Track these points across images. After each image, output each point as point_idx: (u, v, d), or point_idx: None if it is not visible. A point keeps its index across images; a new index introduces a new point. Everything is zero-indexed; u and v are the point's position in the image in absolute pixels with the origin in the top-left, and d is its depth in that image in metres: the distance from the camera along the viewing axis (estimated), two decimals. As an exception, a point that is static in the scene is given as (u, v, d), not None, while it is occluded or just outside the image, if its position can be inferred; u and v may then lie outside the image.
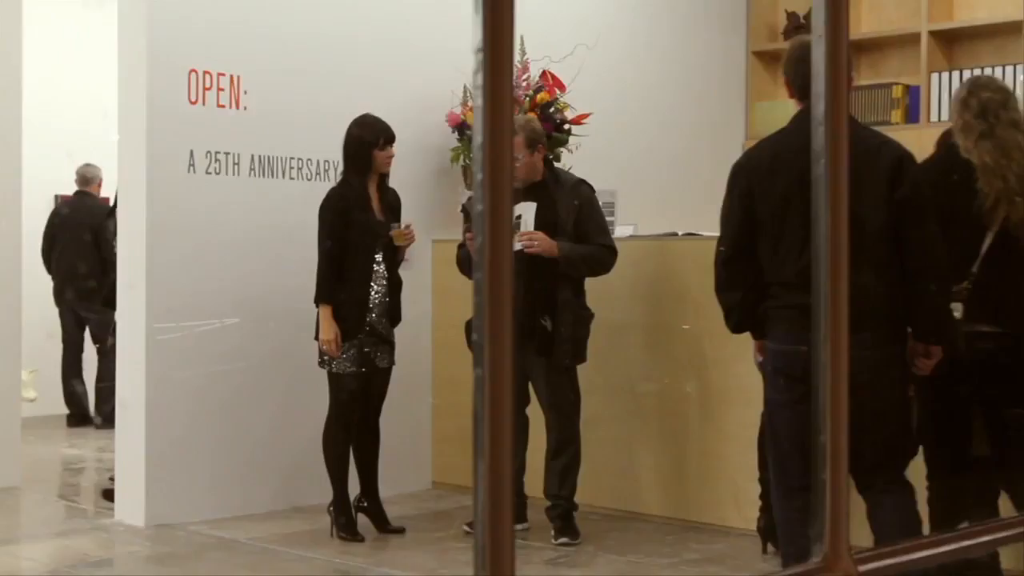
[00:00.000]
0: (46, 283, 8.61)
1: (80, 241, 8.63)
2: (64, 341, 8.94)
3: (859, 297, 3.95)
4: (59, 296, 8.77)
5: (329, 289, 5.29)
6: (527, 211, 5.34)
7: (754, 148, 4.28)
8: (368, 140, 5.42)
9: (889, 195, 3.80)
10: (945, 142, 4.22)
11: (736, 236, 4.06)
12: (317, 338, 5.41)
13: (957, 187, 4.03)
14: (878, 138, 4.01)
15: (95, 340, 8.80)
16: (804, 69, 3.85)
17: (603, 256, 5.35)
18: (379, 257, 5.41)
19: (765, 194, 3.98)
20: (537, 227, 5.30)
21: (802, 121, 3.90)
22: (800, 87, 4.01)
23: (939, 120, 7.63)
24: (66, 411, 9.08)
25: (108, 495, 5.94)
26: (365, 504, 5.55)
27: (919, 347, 3.92)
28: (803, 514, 3.83)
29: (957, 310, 4.05)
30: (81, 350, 9.02)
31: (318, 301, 5.31)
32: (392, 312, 5.50)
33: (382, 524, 5.55)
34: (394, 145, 5.48)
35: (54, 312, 8.77)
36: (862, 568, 0.89)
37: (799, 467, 3.92)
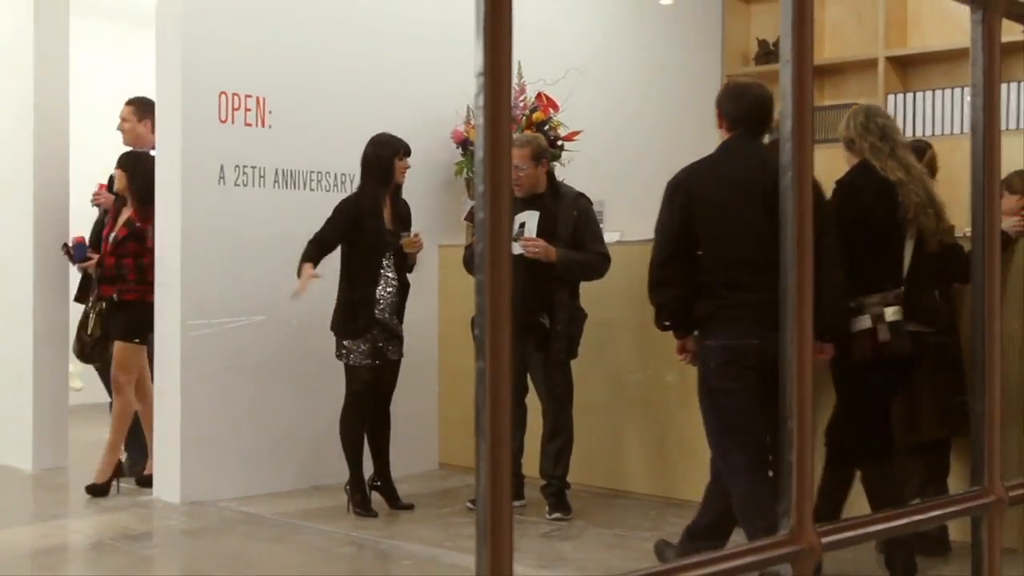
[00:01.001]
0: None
1: None
2: None
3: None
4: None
5: (312, 255, 5.36)
6: (530, 219, 5.35)
7: (691, 168, 4.31)
8: (388, 154, 5.44)
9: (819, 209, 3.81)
10: (861, 163, 4.29)
11: (674, 242, 4.16)
12: (332, 329, 5.42)
13: (876, 201, 4.12)
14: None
15: None
16: (735, 105, 4.24)
17: (597, 263, 5.37)
18: (388, 261, 5.42)
19: (704, 207, 4.12)
20: (538, 234, 5.31)
21: (730, 147, 4.28)
22: (732, 120, 4.24)
23: (895, 137, 7.63)
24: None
25: (144, 480, 5.99)
26: (378, 483, 5.56)
27: (815, 344, 3.90)
28: (769, 484, 4.02)
29: (898, 314, 4.12)
30: None
31: (302, 261, 5.35)
32: (401, 310, 5.51)
33: (393, 501, 5.55)
34: (409, 157, 5.51)
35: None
36: (825, 540, 0.89)
37: (758, 442, 4.06)
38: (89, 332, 5.92)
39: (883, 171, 4.15)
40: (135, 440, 6.15)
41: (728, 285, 4.04)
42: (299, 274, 5.31)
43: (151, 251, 5.82)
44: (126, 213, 5.94)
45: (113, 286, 5.86)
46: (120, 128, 6.27)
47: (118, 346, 5.88)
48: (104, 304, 5.90)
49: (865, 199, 4.14)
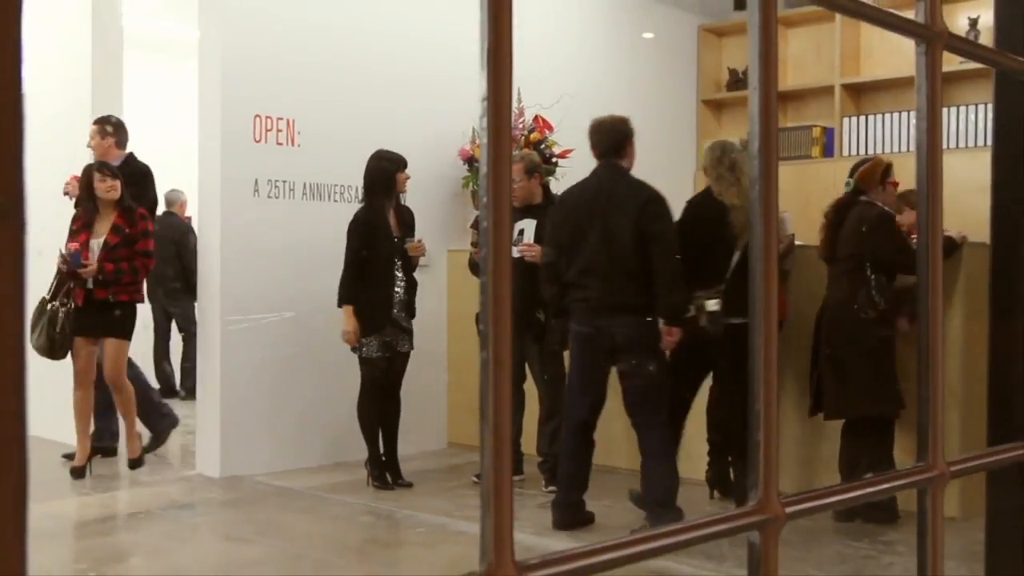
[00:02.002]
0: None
1: (167, 251, 8.66)
2: (155, 331, 8.97)
3: (620, 293, 4.45)
4: (152, 295, 8.79)
5: (350, 294, 5.32)
6: (528, 227, 5.35)
7: (567, 190, 4.82)
8: (392, 168, 5.45)
9: (637, 224, 4.35)
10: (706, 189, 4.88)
11: (554, 250, 4.64)
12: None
13: (713, 219, 4.58)
14: (639, 185, 4.52)
15: (180, 329, 8.85)
16: (593, 137, 4.67)
17: None
18: (398, 263, 5.43)
19: (566, 223, 4.56)
20: (535, 240, 5.30)
21: (596, 172, 4.65)
22: (601, 150, 4.63)
23: (849, 155, 7.64)
24: (156, 386, 9.10)
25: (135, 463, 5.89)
26: (385, 459, 5.56)
27: (665, 328, 4.50)
28: (585, 432, 4.67)
29: (717, 305, 4.66)
30: (169, 337, 9.05)
31: (340, 303, 5.36)
32: (409, 307, 5.52)
33: (396, 477, 5.55)
34: (407, 170, 5.53)
35: (146, 308, 8.77)
36: (788, 509, 0.89)
37: (581, 402, 4.64)
38: (59, 330, 5.50)
39: (719, 196, 4.67)
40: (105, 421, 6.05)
41: (574, 286, 4.52)
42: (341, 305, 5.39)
43: (140, 254, 5.67)
44: (107, 220, 5.64)
45: (107, 289, 5.57)
46: (89, 146, 6.03)
47: (114, 343, 5.63)
48: (71, 304, 5.52)
49: (701, 217, 4.59)
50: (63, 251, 5.50)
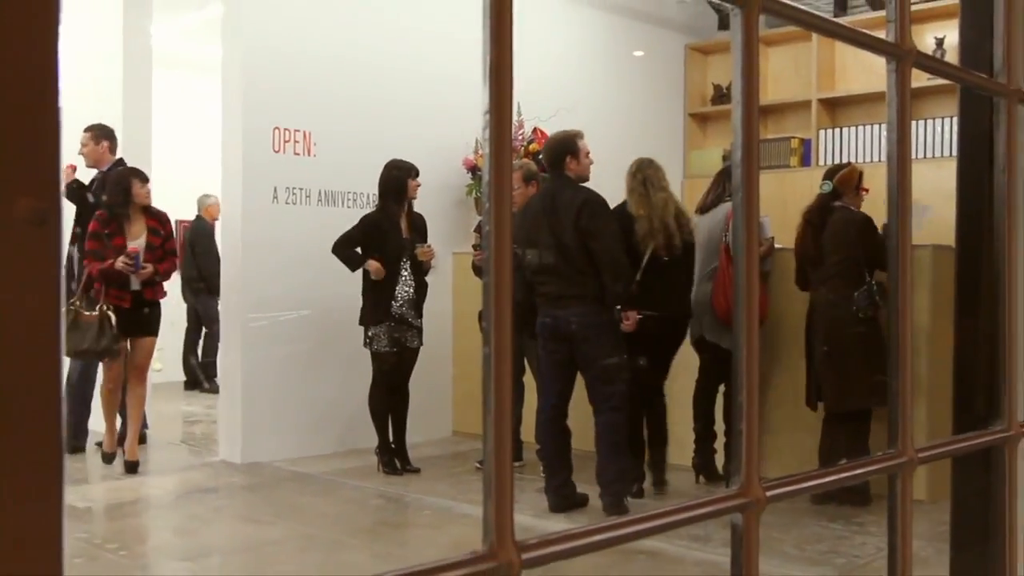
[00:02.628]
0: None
1: (191, 254, 8.68)
2: (187, 329, 8.98)
3: (571, 285, 4.49)
4: (184, 294, 8.80)
5: (349, 255, 5.35)
6: None
7: (529, 199, 5.03)
8: (403, 175, 5.44)
9: (576, 224, 4.54)
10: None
11: (516, 255, 4.74)
12: (361, 323, 5.42)
13: (624, 227, 4.77)
14: (578, 190, 4.71)
15: (204, 325, 8.84)
16: (549, 152, 4.87)
17: None
18: (405, 265, 5.42)
19: (522, 228, 4.71)
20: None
21: (548, 183, 4.90)
22: (548, 162, 4.86)
23: (825, 164, 7.64)
24: (183, 378, 9.10)
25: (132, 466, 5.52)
26: (394, 446, 5.56)
27: (623, 313, 4.75)
28: (558, 419, 4.75)
29: None
30: (198, 335, 9.05)
31: (351, 265, 5.37)
32: (418, 306, 5.51)
33: (404, 463, 5.54)
34: (417, 178, 5.52)
35: (173, 305, 8.78)
36: (769, 493, 0.89)
37: (551, 390, 4.74)
38: (114, 331, 5.24)
39: (630, 207, 4.90)
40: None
41: (536, 283, 4.70)
42: (362, 318, 5.41)
43: (171, 254, 5.54)
44: (138, 223, 5.43)
45: (152, 289, 5.44)
46: (81, 153, 5.86)
47: (149, 341, 5.50)
48: (109, 305, 5.24)
49: (621, 224, 4.77)
50: (123, 256, 5.24)
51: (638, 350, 4.85)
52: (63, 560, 0.45)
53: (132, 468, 5.44)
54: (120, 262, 5.23)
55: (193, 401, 8.56)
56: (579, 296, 4.57)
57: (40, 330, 0.45)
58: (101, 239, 5.32)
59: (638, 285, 4.77)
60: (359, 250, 5.38)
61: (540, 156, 6.64)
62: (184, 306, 8.87)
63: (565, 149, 4.77)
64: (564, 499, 4.69)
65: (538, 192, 4.99)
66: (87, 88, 6.51)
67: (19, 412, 0.44)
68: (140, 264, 5.27)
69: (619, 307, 4.72)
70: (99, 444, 5.74)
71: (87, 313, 5.19)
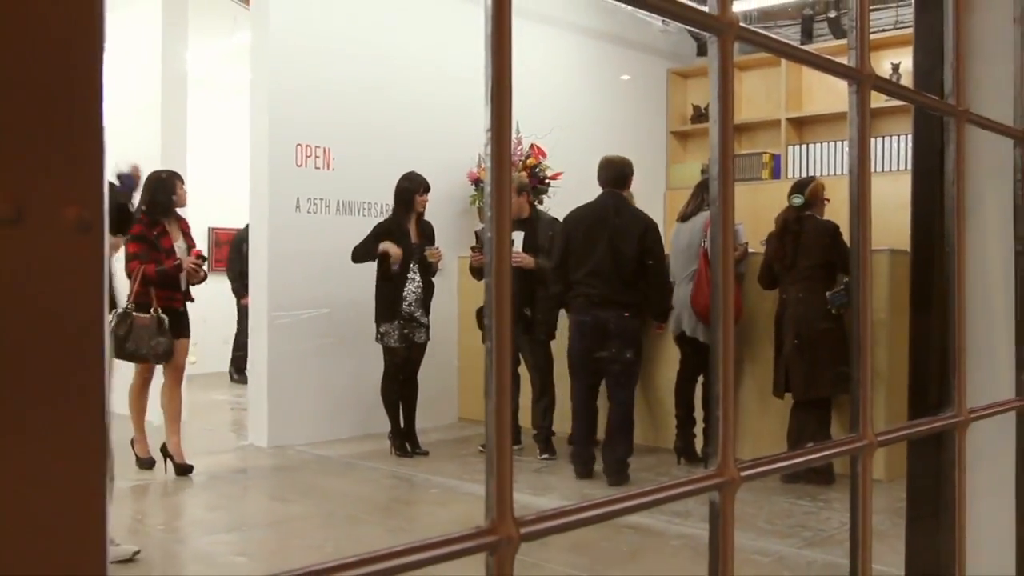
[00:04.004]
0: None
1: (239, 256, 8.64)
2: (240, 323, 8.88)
3: (617, 292, 4.54)
4: (238, 292, 8.72)
5: (368, 254, 5.34)
6: (517, 238, 5.36)
7: (572, 212, 5.09)
8: (412, 188, 5.43)
9: (640, 244, 4.73)
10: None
11: (560, 257, 4.92)
12: (377, 321, 5.42)
13: None
14: (638, 211, 4.90)
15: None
16: (602, 174, 4.97)
17: None
18: (414, 268, 5.41)
19: (576, 235, 4.84)
20: (524, 249, 5.31)
21: (604, 198, 4.92)
22: (601, 181, 4.97)
23: (793, 177, 7.64)
24: (214, 370, 9.09)
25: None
26: (405, 431, 5.55)
27: (657, 325, 5.09)
28: (589, 400, 4.92)
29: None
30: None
31: (361, 259, 5.36)
32: (426, 305, 5.50)
33: (414, 447, 5.54)
34: (428, 193, 5.49)
35: (205, 304, 8.72)
36: (743, 473, 0.89)
37: (584, 374, 4.90)
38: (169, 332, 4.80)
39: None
40: None
41: (580, 283, 4.80)
42: (376, 313, 5.39)
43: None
44: (175, 227, 4.96)
45: (189, 293, 4.98)
46: None
47: (187, 342, 5.00)
48: (157, 308, 4.74)
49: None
50: (192, 257, 4.85)
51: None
52: (107, 538, 0.44)
53: (186, 471, 4.96)
54: (190, 263, 4.84)
55: (224, 391, 8.55)
56: (621, 302, 4.75)
57: (88, 332, 0.45)
58: (150, 241, 4.82)
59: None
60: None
61: (537, 169, 6.66)
62: (207, 303, 8.77)
63: (627, 172, 4.96)
64: (587, 467, 4.93)
65: (592, 204, 4.88)
66: (128, 107, 6.52)
67: (67, 410, 0.44)
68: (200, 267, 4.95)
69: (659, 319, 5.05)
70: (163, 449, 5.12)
71: (142, 316, 4.68)
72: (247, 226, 8.77)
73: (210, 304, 8.66)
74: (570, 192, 6.85)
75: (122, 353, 4.63)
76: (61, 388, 0.44)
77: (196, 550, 3.89)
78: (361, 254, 5.34)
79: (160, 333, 4.73)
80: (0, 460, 0.42)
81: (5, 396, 0.42)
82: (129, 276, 4.75)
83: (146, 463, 5.05)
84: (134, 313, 4.67)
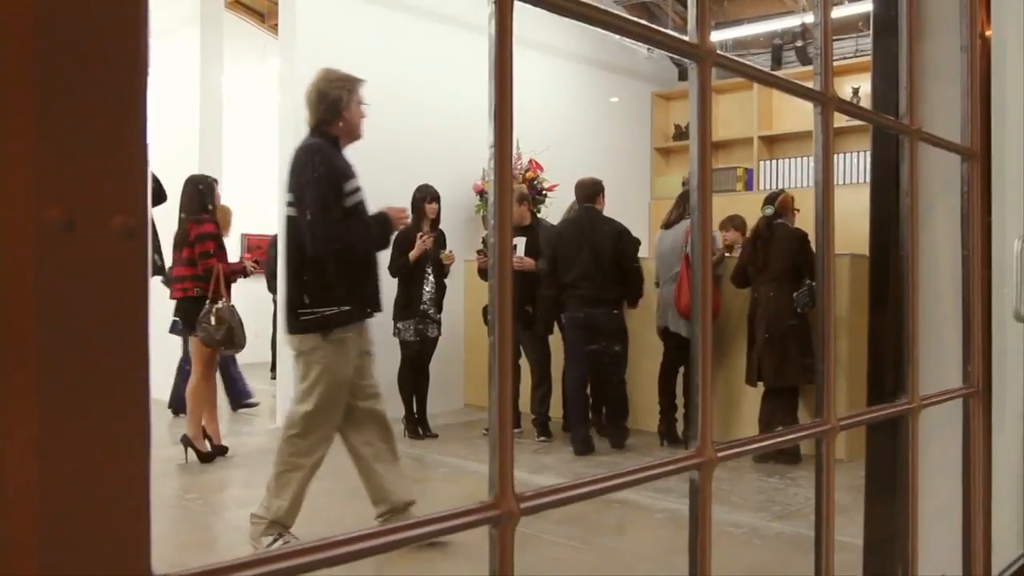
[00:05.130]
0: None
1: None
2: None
3: (603, 290, 4.52)
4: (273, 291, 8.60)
5: (399, 267, 5.26)
6: (520, 243, 5.35)
7: (557, 227, 5.29)
8: (421, 197, 5.42)
9: (615, 247, 4.96)
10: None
11: (551, 265, 5.13)
12: (394, 318, 5.41)
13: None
14: (611, 220, 5.08)
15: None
16: (585, 191, 5.16)
17: None
18: (428, 269, 5.40)
19: (561, 245, 5.07)
20: (525, 253, 5.30)
21: (581, 213, 5.10)
22: (583, 198, 5.15)
23: (765, 189, 7.64)
24: (250, 361, 9.02)
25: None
26: (417, 416, 5.55)
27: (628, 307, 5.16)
28: (583, 387, 5.12)
29: None
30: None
31: (398, 272, 5.29)
32: (439, 303, 5.50)
33: (425, 430, 5.53)
34: (437, 202, 5.46)
35: (240, 301, 8.67)
36: (720, 454, 0.88)
37: (579, 364, 5.08)
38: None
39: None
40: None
41: (571, 286, 4.99)
42: (395, 311, 5.31)
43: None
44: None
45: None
46: None
47: None
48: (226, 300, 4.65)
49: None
50: (248, 262, 4.80)
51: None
52: (150, 511, 0.44)
53: (224, 451, 4.87)
54: (251, 265, 4.85)
55: (260, 380, 8.54)
56: (607, 299, 4.98)
57: (133, 326, 0.45)
58: (221, 241, 4.74)
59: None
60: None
61: (535, 182, 6.66)
62: (242, 303, 8.71)
63: (598, 190, 5.18)
64: (586, 446, 5.04)
65: (572, 218, 5.19)
66: (170, 126, 6.52)
67: (113, 398, 0.44)
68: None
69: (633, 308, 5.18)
70: (185, 439, 4.83)
71: (220, 308, 4.56)
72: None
73: (245, 301, 8.66)
74: (565, 201, 6.83)
75: (214, 342, 4.55)
76: (108, 378, 0.44)
77: (229, 521, 3.89)
78: (397, 267, 5.32)
79: (240, 325, 4.67)
80: (55, 443, 0.42)
81: (61, 386, 0.42)
82: (205, 272, 4.61)
83: (209, 455, 4.83)
84: (219, 307, 4.57)
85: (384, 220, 3.21)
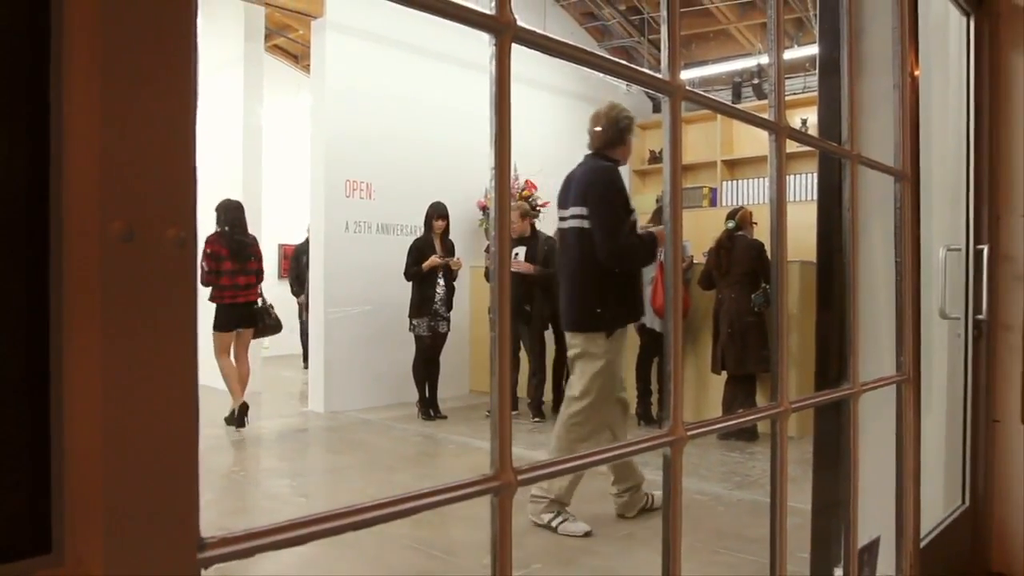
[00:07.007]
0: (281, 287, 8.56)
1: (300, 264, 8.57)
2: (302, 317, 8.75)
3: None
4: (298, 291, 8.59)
5: (409, 273, 5.29)
6: (520, 251, 5.34)
7: (554, 237, 4.74)
8: (431, 214, 5.42)
9: None
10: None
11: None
12: (410, 316, 5.40)
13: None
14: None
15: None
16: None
17: (555, 275, 5.37)
18: (440, 274, 5.40)
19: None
20: (525, 259, 5.29)
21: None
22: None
23: (727, 205, 7.64)
24: (283, 353, 9.03)
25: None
26: (429, 400, 5.53)
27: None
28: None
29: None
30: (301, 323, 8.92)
31: (409, 277, 5.30)
32: (449, 303, 5.49)
33: (436, 412, 5.52)
34: (445, 219, 5.44)
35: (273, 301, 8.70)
36: (689, 433, 0.88)
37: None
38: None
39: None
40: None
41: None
42: (411, 310, 5.31)
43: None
44: None
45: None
46: None
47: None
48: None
49: None
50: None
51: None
52: (199, 480, 0.44)
53: (246, 409, 5.06)
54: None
55: (293, 368, 8.53)
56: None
57: (184, 326, 0.44)
58: (257, 252, 5.09)
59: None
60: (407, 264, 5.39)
61: (530, 199, 6.65)
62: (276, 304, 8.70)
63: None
64: None
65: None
66: (217, 151, 6.51)
67: (166, 382, 0.44)
68: None
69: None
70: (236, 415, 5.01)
71: (271, 306, 5.16)
72: (305, 241, 8.77)
73: (277, 301, 8.64)
74: (556, 216, 6.87)
75: (272, 330, 5.08)
76: (162, 365, 0.43)
77: (267, 490, 3.88)
78: (412, 273, 5.33)
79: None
80: (117, 416, 0.42)
81: (122, 371, 0.42)
82: (258, 277, 5.05)
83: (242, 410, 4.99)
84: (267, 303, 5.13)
85: (654, 239, 3.07)
